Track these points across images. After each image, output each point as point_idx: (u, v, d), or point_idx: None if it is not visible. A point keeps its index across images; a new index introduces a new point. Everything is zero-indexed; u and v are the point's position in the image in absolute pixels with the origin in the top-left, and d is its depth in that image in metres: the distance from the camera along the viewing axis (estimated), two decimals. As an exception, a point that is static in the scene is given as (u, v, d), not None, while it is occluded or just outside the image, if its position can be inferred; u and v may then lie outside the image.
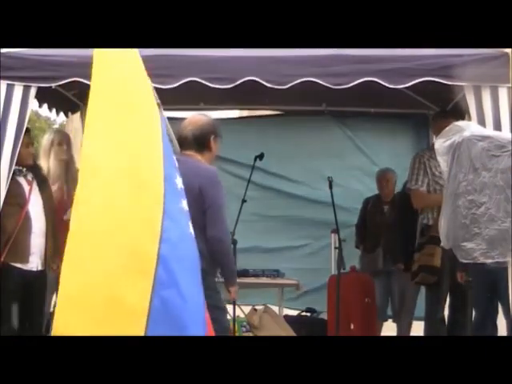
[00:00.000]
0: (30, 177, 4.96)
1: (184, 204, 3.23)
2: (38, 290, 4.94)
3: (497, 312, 4.98)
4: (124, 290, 3.02)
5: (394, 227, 6.41)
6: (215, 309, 4.07)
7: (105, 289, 3.04)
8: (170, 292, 3.08)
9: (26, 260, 4.82)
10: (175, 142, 4.34)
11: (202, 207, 4.19)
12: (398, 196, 6.65)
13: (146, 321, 3.03)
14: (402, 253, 6.21)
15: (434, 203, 5.41)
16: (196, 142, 4.38)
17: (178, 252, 3.11)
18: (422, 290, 6.04)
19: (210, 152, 4.43)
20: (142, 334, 3.03)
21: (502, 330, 4.99)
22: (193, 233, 3.28)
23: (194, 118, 4.52)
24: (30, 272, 4.85)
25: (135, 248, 3.04)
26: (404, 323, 6.38)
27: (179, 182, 3.23)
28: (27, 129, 4.83)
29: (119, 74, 3.28)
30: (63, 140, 5.72)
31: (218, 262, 4.31)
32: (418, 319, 6.19)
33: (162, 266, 3.04)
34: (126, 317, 3.05)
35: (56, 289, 5.40)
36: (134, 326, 3.05)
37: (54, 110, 6.43)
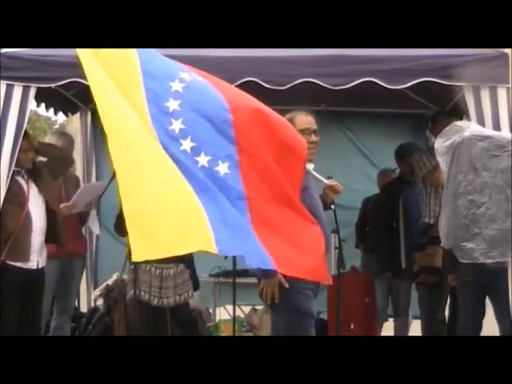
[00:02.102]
0: (27, 176, 4.97)
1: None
2: (37, 287, 4.96)
3: (484, 314, 4.97)
4: (180, 208, 3.24)
5: (377, 232, 6.43)
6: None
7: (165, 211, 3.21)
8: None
9: (26, 258, 4.83)
10: None
11: None
12: (373, 200, 6.70)
13: (208, 226, 3.21)
14: (388, 259, 6.22)
15: None
16: None
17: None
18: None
19: None
20: (210, 240, 3.18)
21: (492, 331, 4.97)
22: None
23: None
24: (30, 270, 4.86)
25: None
26: (399, 323, 6.39)
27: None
28: (27, 133, 4.84)
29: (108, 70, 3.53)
30: (70, 146, 5.74)
31: None
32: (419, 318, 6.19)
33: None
34: (191, 229, 3.21)
35: (55, 285, 5.48)
36: (200, 234, 3.21)
37: (51, 110, 6.43)
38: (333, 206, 4.60)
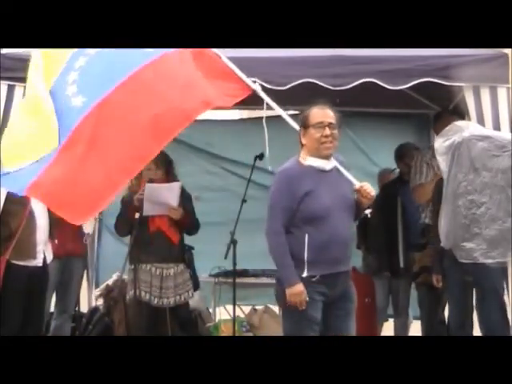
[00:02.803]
0: None
1: None
2: (41, 284, 4.99)
3: (473, 311, 4.99)
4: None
5: (375, 232, 6.43)
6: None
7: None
8: None
9: (33, 256, 4.85)
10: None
11: None
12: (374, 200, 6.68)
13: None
14: (386, 258, 6.22)
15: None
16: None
17: None
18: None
19: (304, 145, 4.18)
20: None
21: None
22: None
23: None
24: (35, 268, 4.88)
25: None
26: (399, 323, 6.39)
27: None
28: None
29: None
30: None
31: None
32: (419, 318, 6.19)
33: None
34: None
35: (55, 285, 5.48)
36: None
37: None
38: (367, 211, 4.21)
